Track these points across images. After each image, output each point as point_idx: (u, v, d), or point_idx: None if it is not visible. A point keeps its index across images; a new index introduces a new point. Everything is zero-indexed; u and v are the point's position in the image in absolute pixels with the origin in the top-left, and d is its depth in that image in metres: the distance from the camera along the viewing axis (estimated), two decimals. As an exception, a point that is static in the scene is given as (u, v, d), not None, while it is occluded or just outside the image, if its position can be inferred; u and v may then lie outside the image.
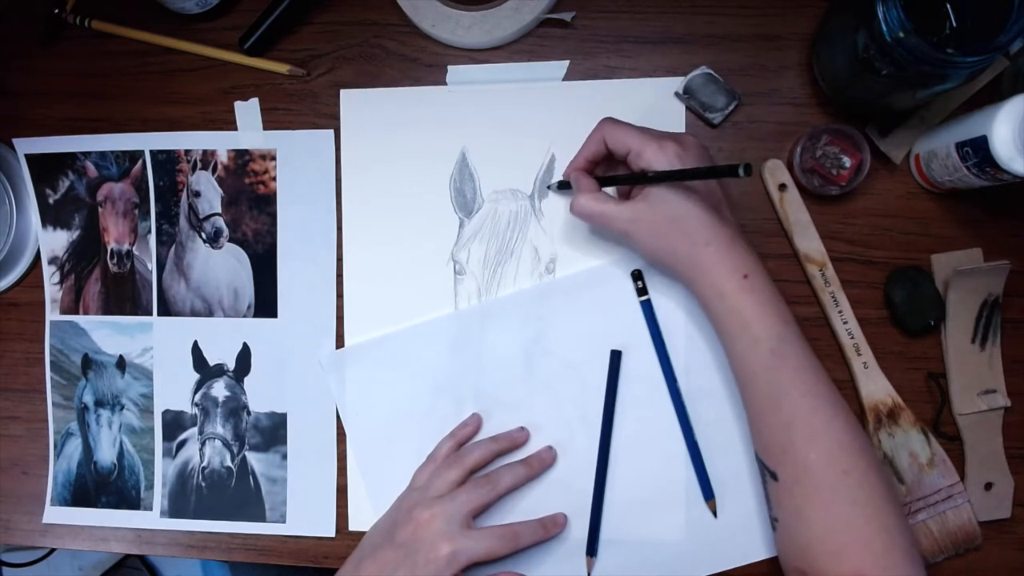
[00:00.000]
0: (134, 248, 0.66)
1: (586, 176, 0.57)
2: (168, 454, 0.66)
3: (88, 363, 0.67)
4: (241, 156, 0.65)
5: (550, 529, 0.58)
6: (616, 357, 0.60)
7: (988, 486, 0.59)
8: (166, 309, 0.66)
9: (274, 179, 0.64)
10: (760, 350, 0.51)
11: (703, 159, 0.53)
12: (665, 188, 0.52)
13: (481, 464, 0.59)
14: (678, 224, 0.52)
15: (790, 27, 0.61)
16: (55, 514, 0.67)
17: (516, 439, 0.60)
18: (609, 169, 0.59)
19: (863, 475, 0.48)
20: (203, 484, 0.65)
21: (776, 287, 0.52)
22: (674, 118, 0.61)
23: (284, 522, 0.64)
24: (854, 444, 0.49)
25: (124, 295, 0.66)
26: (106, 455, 0.66)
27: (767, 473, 0.52)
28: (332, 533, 0.63)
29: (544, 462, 0.60)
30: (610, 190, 0.59)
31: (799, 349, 0.51)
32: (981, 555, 0.59)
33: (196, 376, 0.65)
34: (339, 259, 0.64)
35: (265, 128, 0.64)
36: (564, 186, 0.61)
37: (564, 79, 0.62)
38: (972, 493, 0.59)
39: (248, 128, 0.64)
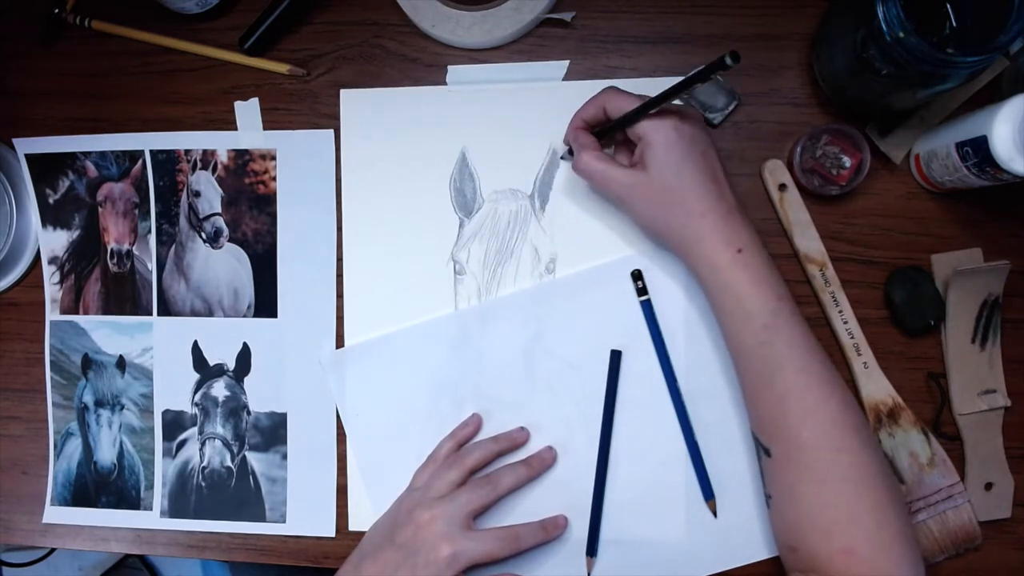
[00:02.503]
0: (134, 248, 0.66)
1: (587, 134, 0.56)
2: (168, 454, 0.66)
3: (88, 363, 0.67)
4: (241, 156, 0.65)
5: (550, 531, 0.58)
6: (616, 357, 0.60)
7: (988, 486, 0.59)
8: (166, 309, 0.66)
9: (274, 179, 0.64)
10: (753, 325, 0.50)
11: (701, 132, 0.53)
12: (663, 158, 0.52)
13: (481, 464, 0.59)
14: (674, 194, 0.52)
15: (790, 27, 0.61)
16: (55, 514, 0.67)
17: (516, 439, 0.60)
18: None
19: (856, 454, 0.48)
20: (203, 484, 0.65)
21: (773, 262, 0.52)
22: (674, 118, 0.61)
23: (284, 522, 0.64)
24: (848, 422, 0.49)
25: (124, 295, 0.66)
26: (106, 455, 0.66)
27: (761, 449, 0.52)
28: (332, 533, 0.63)
29: (544, 462, 0.60)
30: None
31: (794, 325, 0.50)
32: (981, 555, 0.59)
33: (196, 376, 0.65)
34: (339, 259, 0.64)
35: (265, 128, 0.64)
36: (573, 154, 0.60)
37: (564, 79, 0.62)
38: (972, 493, 0.59)
39: (248, 128, 0.64)
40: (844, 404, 0.50)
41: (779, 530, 0.52)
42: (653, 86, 0.60)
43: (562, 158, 0.62)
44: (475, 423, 0.61)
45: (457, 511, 0.55)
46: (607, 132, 0.56)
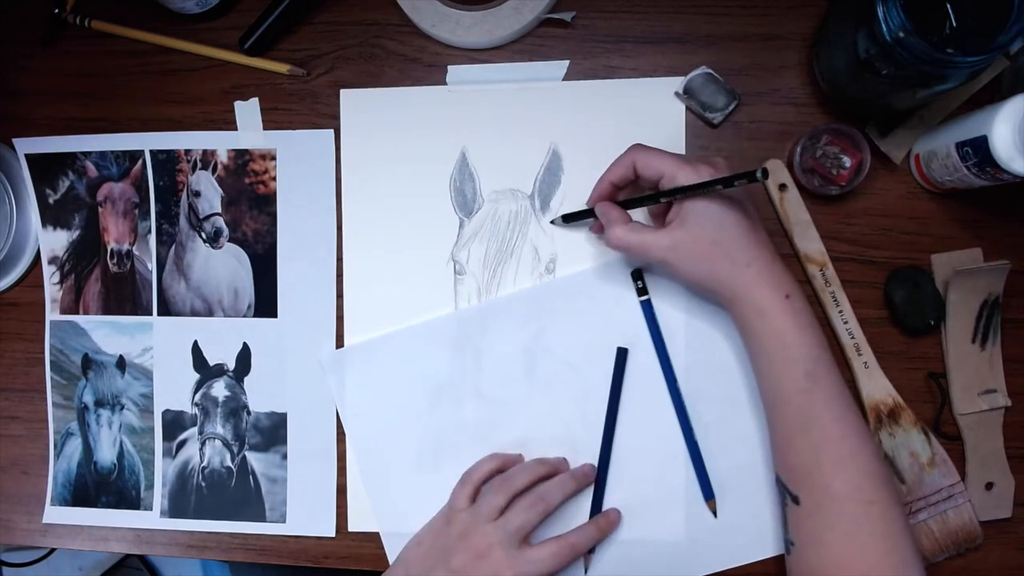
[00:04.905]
0: (134, 248, 0.66)
1: (615, 207, 0.56)
2: (168, 454, 0.66)
3: (88, 363, 0.67)
4: (241, 156, 0.65)
5: (605, 529, 0.58)
6: (622, 354, 0.60)
7: (989, 486, 0.59)
8: (166, 309, 0.66)
9: (274, 179, 0.64)
10: (795, 372, 0.50)
11: None
12: (703, 212, 0.51)
13: (526, 488, 0.58)
14: (719, 247, 0.51)
15: (790, 27, 0.61)
16: (55, 514, 0.67)
17: (558, 466, 0.59)
18: (631, 195, 0.58)
19: (886, 507, 0.48)
20: (203, 484, 0.65)
21: (812, 310, 0.52)
22: (674, 118, 0.61)
23: (284, 522, 0.64)
24: (880, 475, 0.49)
25: (124, 295, 0.66)
26: (106, 455, 0.66)
27: (788, 496, 0.52)
28: (332, 533, 0.63)
29: (588, 477, 0.59)
30: (642, 218, 0.59)
31: (833, 374, 0.51)
32: (982, 555, 0.59)
33: (196, 376, 0.65)
34: (339, 259, 0.64)
35: (265, 128, 0.64)
36: (570, 218, 0.60)
37: (564, 79, 0.62)
38: (973, 493, 0.59)
39: (248, 128, 0.64)
40: (876, 456, 0.50)
41: None
42: (653, 86, 0.61)
43: (552, 222, 0.61)
44: (518, 456, 0.60)
45: (514, 536, 0.54)
46: (631, 207, 0.56)
